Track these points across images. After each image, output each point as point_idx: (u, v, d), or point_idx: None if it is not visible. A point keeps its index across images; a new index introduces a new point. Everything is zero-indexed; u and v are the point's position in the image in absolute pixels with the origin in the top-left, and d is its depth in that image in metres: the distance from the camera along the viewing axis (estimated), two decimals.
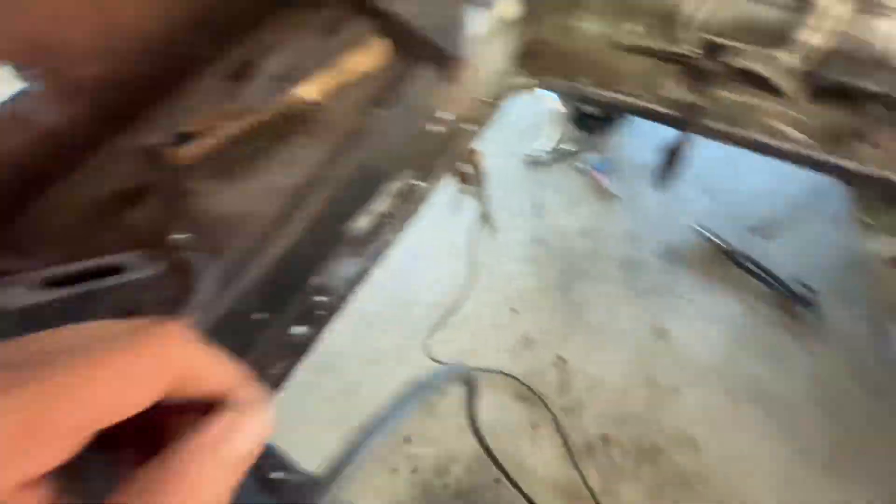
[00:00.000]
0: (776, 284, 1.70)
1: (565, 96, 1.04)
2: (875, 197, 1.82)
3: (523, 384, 1.57)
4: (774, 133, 0.81)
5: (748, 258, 1.76)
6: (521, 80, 0.93)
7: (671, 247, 1.84)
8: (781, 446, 1.42)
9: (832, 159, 0.77)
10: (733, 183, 1.97)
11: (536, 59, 0.95)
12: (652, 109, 0.88)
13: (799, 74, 0.83)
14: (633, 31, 0.94)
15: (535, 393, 1.54)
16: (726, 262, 1.78)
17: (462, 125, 0.86)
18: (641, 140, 2.15)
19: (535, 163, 2.14)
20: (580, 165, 2.10)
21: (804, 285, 1.68)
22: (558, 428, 1.48)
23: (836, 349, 1.58)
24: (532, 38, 0.97)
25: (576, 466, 1.42)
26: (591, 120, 2.16)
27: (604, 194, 2.01)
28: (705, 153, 2.06)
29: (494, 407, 1.54)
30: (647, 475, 1.40)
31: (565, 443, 1.46)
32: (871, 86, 0.77)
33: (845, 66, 0.78)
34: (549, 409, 1.51)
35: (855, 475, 1.37)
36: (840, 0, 0.80)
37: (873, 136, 0.77)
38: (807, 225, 1.87)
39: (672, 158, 0.94)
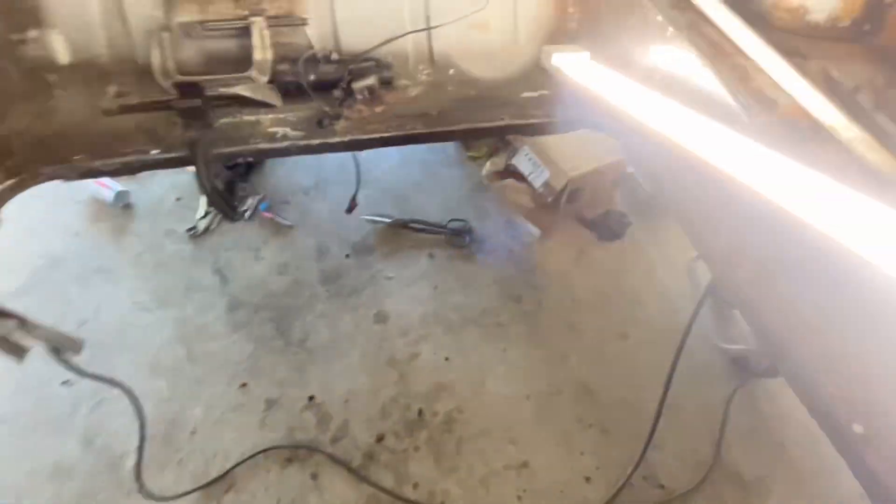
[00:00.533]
0: (440, 230, 2.05)
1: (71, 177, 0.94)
2: (467, 139, 2.36)
3: (284, 447, 1.47)
4: (274, 138, 0.92)
5: (413, 221, 2.06)
6: None
7: (356, 244, 2.00)
8: (496, 344, 1.74)
9: (321, 141, 0.93)
10: (377, 170, 2.27)
11: (11, 156, 0.83)
12: (161, 159, 0.88)
13: (271, 86, 0.96)
14: (117, 93, 0.92)
15: (298, 446, 1.47)
16: (401, 231, 2.04)
17: None
18: (288, 166, 2.26)
19: (201, 233, 2.00)
20: (245, 213, 2.07)
21: (459, 220, 2.08)
22: (336, 461, 1.45)
23: (495, 254, 2.01)
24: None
25: (367, 482, 1.42)
26: (231, 171, 2.14)
27: (280, 228, 2.04)
28: (335, 158, 2.28)
29: (268, 488, 1.40)
30: (423, 441, 1.51)
31: (349, 469, 1.44)
32: (314, 76, 0.95)
33: (289, 68, 0.94)
34: (317, 451, 1.46)
35: (537, 334, 1.79)
36: (261, 18, 0.94)
37: (343, 111, 0.96)
38: (441, 174, 2.31)
39: (227, 198, 0.98)
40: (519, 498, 1.41)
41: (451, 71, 1.01)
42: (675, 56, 0.86)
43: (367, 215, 2.06)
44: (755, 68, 0.79)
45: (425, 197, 2.20)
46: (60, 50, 0.89)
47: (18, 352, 0.81)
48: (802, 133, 0.72)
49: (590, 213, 2.13)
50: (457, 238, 2.03)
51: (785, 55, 0.79)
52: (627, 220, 2.14)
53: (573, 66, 0.97)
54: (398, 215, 2.07)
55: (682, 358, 1.39)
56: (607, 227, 2.09)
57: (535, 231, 2.05)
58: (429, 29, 1.00)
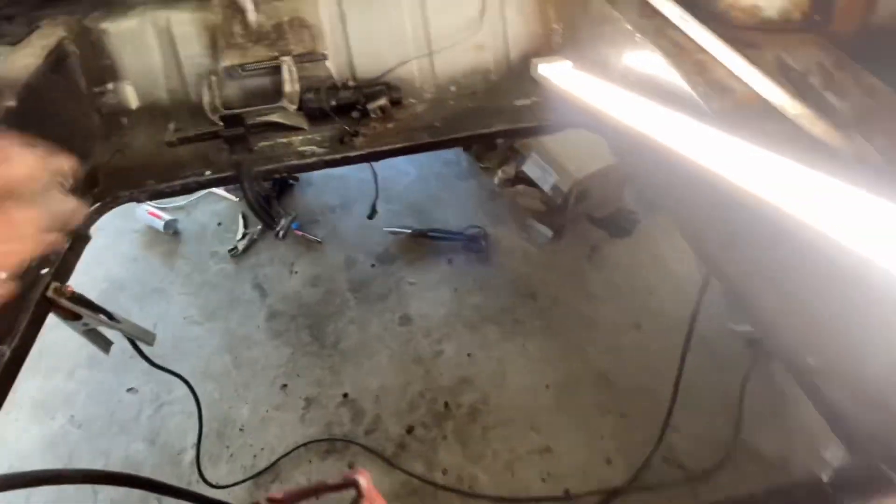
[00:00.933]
0: (458, 237, 2.18)
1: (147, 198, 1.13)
2: (478, 149, 2.51)
3: (323, 440, 1.60)
4: (304, 155, 1.09)
5: (432, 230, 2.20)
6: (88, 207, 0.99)
7: (380, 254, 2.16)
8: (515, 339, 1.84)
9: (343, 155, 1.08)
10: (397, 186, 2.44)
11: (97, 184, 1.02)
12: (213, 179, 1.05)
13: (300, 112, 1.13)
14: (175, 129, 1.11)
15: (335, 438, 1.60)
16: (421, 241, 2.19)
17: (39, 273, 0.87)
18: (315, 189, 2.45)
19: (241, 252, 2.20)
20: (280, 232, 2.26)
21: (475, 227, 2.21)
22: (370, 451, 1.57)
23: (510, 256, 2.13)
24: (87, 168, 1.04)
25: (400, 469, 1.53)
26: (271, 188, 2.35)
27: (311, 244, 2.22)
28: (357, 179, 2.46)
29: (310, 478, 1.53)
30: (451, 430, 1.61)
31: (382, 458, 1.55)
32: (335, 101, 1.11)
33: (314, 96, 1.11)
34: (353, 442, 1.58)
35: (554, 328, 1.87)
36: (289, 57, 1.12)
37: (360, 129, 1.12)
38: (456, 186, 2.45)
39: (267, 210, 1.14)
40: (543, 480, 1.49)
41: (453, 87, 1.15)
42: (644, 58, 0.98)
43: (389, 227, 2.22)
44: (713, 62, 0.90)
45: (442, 208, 2.34)
46: (131, 97, 1.10)
47: (105, 344, 0.99)
48: (756, 114, 0.83)
49: (599, 211, 2.22)
50: (473, 243, 2.16)
51: (741, 48, 0.89)
52: (637, 217, 2.21)
53: (557, 74, 1.10)
54: (418, 226, 2.22)
55: (697, 343, 1.44)
56: (617, 225, 2.17)
57: (548, 232, 2.15)
58: (430, 54, 1.15)
